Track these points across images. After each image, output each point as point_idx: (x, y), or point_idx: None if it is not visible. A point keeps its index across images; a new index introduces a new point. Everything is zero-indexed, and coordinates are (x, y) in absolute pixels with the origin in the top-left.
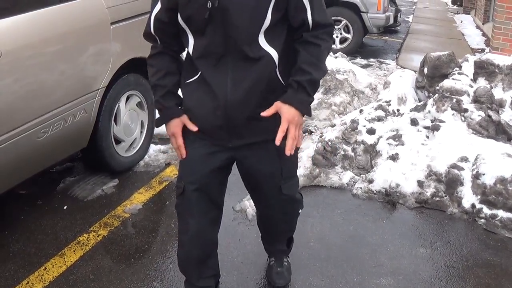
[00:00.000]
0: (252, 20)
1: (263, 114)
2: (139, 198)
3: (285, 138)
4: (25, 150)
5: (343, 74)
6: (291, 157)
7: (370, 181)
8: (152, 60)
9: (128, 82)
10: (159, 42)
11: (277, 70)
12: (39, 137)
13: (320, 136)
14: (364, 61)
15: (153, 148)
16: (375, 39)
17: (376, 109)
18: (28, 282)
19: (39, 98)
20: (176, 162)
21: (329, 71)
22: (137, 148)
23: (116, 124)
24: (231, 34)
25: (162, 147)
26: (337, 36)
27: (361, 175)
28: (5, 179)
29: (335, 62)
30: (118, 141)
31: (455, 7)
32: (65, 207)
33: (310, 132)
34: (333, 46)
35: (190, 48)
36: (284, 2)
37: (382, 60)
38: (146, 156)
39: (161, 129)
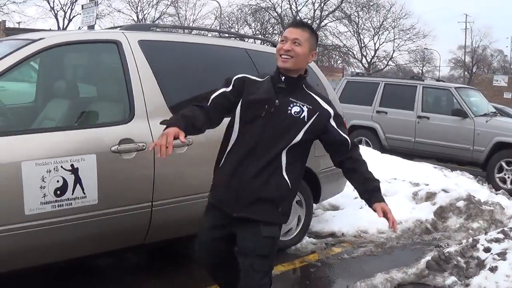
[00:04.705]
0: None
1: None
2: (279, 268)
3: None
4: (194, 210)
5: (489, 206)
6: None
7: (467, 285)
8: (192, 106)
9: None
10: (205, 107)
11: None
12: None
13: (442, 248)
14: None
15: (306, 239)
16: None
17: (498, 232)
18: None
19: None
20: (320, 252)
21: (473, 201)
22: (291, 236)
23: None
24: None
25: (314, 240)
26: (508, 177)
27: (462, 281)
28: (181, 227)
29: (489, 195)
30: None
31: None
32: None
33: (440, 247)
34: (504, 185)
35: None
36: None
37: None
38: (298, 244)
39: (318, 227)
